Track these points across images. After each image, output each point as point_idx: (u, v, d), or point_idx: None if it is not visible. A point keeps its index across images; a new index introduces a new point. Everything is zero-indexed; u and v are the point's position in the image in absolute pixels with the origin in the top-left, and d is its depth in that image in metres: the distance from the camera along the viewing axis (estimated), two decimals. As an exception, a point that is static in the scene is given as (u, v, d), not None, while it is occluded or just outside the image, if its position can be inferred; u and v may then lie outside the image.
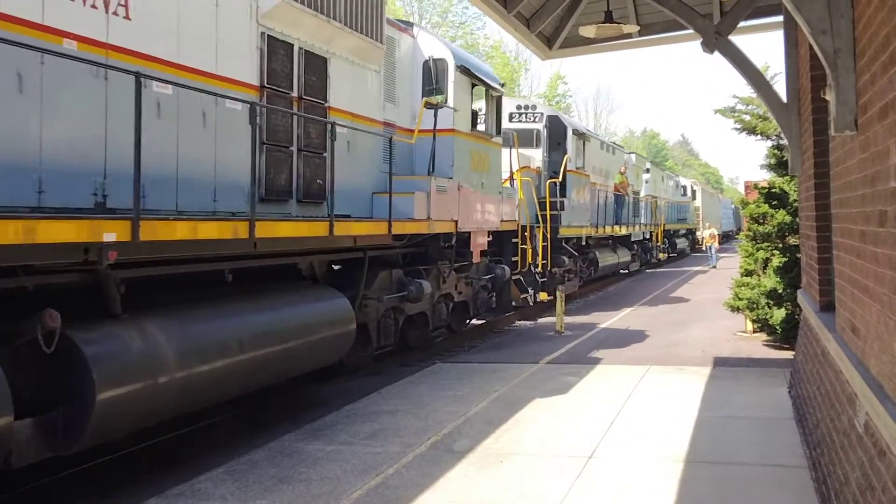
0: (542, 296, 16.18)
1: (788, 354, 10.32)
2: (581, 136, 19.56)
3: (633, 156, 28.79)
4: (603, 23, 9.06)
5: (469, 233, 11.76)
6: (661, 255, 32.85)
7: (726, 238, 51.04)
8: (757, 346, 11.78)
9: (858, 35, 4.31)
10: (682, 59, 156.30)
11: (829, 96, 4.62)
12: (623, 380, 9.30)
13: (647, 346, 12.21)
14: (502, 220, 13.38)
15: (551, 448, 6.61)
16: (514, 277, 14.87)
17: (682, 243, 41.13)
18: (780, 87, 8.91)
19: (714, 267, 30.10)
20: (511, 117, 17.70)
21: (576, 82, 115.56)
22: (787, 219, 11.86)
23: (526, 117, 18.14)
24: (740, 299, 12.40)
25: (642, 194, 29.55)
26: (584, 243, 19.93)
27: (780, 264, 11.84)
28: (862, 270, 4.40)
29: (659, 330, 13.98)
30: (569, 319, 14.55)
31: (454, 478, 5.86)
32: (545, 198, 16.79)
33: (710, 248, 31.92)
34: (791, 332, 10.84)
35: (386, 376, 10.00)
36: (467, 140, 11.80)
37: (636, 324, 14.95)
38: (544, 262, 16.38)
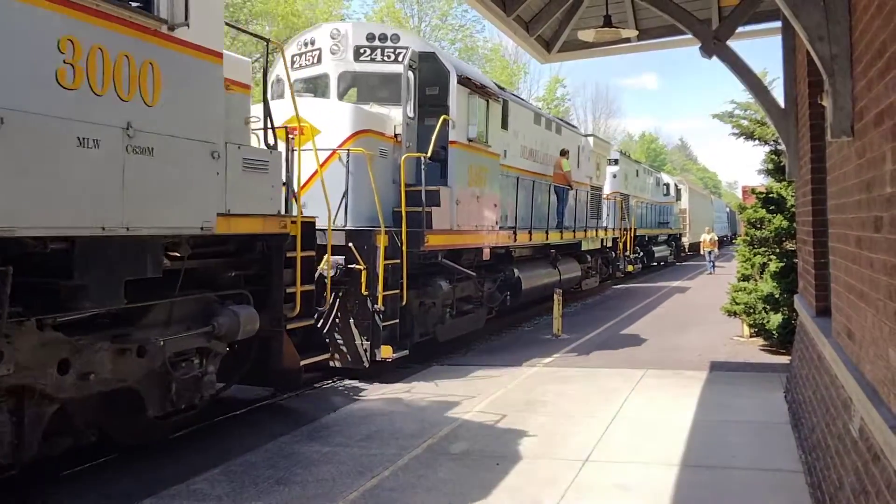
0: (385, 351, 9.60)
1: (785, 359, 10.33)
2: (481, 92, 12.16)
3: (590, 139, 21.78)
4: (602, 27, 9.09)
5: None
6: (629, 268, 26.34)
7: (720, 244, 44.71)
8: (753, 351, 11.80)
9: (855, 41, 4.33)
10: (682, 62, 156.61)
11: (826, 102, 4.64)
12: (619, 383, 9.31)
13: (644, 349, 12.22)
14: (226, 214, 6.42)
15: (547, 451, 6.62)
16: (298, 327, 7.87)
17: (661, 251, 34.55)
18: (778, 93, 8.94)
19: (710, 273, 29.96)
20: (334, 51, 11.43)
21: (575, 83, 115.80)
22: (785, 224, 11.89)
23: (379, 55, 11.32)
24: (737, 304, 12.43)
25: (607, 190, 24.35)
26: (488, 258, 12.96)
27: (777, 269, 11.87)
28: (857, 276, 4.42)
29: (656, 334, 13.99)
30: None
31: (450, 480, 5.86)
32: (415, 185, 10.52)
33: (710, 253, 31.80)
34: (787, 336, 10.86)
35: (382, 378, 10.00)
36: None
37: (633, 328, 14.96)
38: (395, 292, 9.86)
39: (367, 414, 7.93)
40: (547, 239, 16.25)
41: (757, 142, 14.45)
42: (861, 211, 4.23)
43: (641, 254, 29.70)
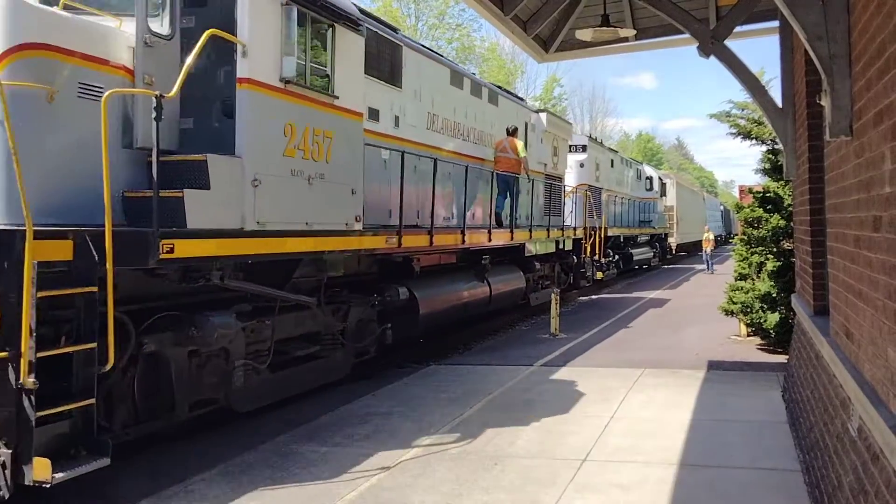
0: (39, 470, 4.80)
1: (782, 358, 10.34)
2: (315, 7, 7.55)
3: (542, 116, 17.10)
4: (599, 26, 9.08)
5: None
6: (598, 275, 22.08)
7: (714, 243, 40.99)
8: (751, 350, 11.81)
9: (854, 41, 4.33)
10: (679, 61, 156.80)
11: (825, 101, 4.64)
12: (617, 383, 9.31)
13: (642, 348, 12.22)
14: None
15: (545, 450, 6.61)
16: None
17: (642, 254, 30.22)
18: (776, 92, 8.95)
19: (712, 272, 29.89)
20: None
21: (572, 82, 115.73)
22: (782, 223, 11.91)
23: None
24: (734, 303, 12.44)
25: (572, 182, 20.87)
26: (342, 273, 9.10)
27: (775, 268, 11.88)
28: (856, 275, 4.42)
29: (653, 333, 14.00)
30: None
31: (448, 480, 5.85)
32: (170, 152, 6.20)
33: (706, 252, 31.90)
34: (785, 335, 10.87)
35: (380, 378, 9.99)
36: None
37: (630, 327, 14.96)
38: (73, 349, 5.13)
39: (365, 413, 7.92)
40: (463, 243, 11.53)
41: (754, 141, 14.50)
42: (860, 210, 4.23)
43: (616, 257, 25.58)
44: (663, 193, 35.47)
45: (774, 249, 12.26)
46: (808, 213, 7.29)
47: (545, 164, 17.21)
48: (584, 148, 22.61)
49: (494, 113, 13.90)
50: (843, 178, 4.94)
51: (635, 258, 28.48)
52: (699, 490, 5.59)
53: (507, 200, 13.72)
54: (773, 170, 12.64)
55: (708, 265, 31.21)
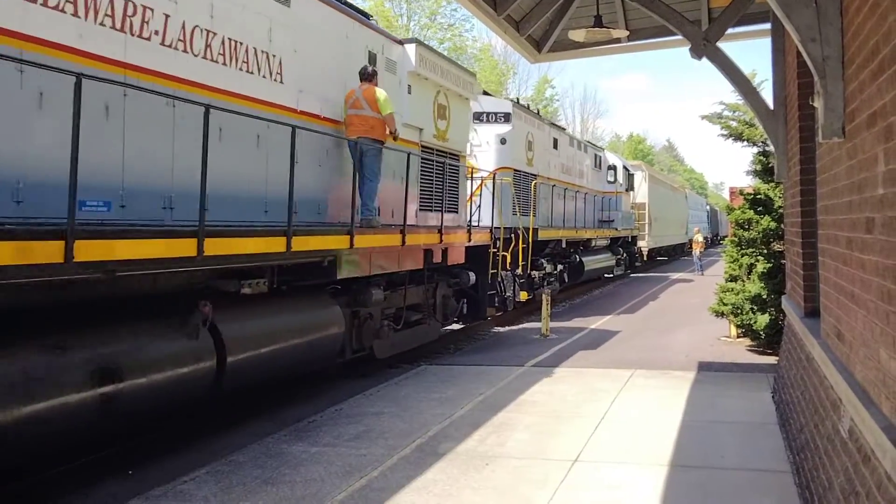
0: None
1: (772, 359, 10.38)
2: None
3: (410, 48, 10.68)
4: (592, 27, 9.08)
5: None
6: (522, 296, 15.89)
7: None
8: (741, 351, 11.85)
9: (847, 43, 4.34)
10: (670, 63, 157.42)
11: (817, 103, 4.65)
12: (608, 383, 9.31)
13: (632, 349, 12.23)
14: None
15: (536, 451, 6.60)
16: None
17: (600, 262, 23.42)
18: (767, 94, 8.97)
19: (701, 274, 30.00)
20: None
21: (564, 83, 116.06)
22: (772, 225, 11.96)
23: None
24: (724, 304, 12.48)
25: (486, 165, 15.21)
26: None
27: (765, 270, 11.93)
28: (848, 277, 4.42)
29: (643, 334, 14.03)
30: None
31: (439, 480, 5.83)
32: None
33: (696, 254, 32.07)
34: (775, 337, 10.91)
35: (371, 378, 9.96)
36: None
37: (621, 328, 14.98)
38: None
39: (356, 413, 7.89)
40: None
41: (745, 143, 14.54)
42: (852, 212, 4.24)
43: (560, 268, 19.32)
44: (630, 187, 29.32)
45: (765, 251, 12.31)
46: (800, 214, 7.31)
47: (420, 130, 10.99)
48: (506, 117, 16.24)
49: (288, 23, 7.92)
50: (835, 179, 4.95)
51: (589, 268, 21.54)
52: (690, 491, 5.59)
53: (368, 185, 8.90)
54: (764, 171, 12.68)
55: (698, 267, 31.36)
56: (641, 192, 32.20)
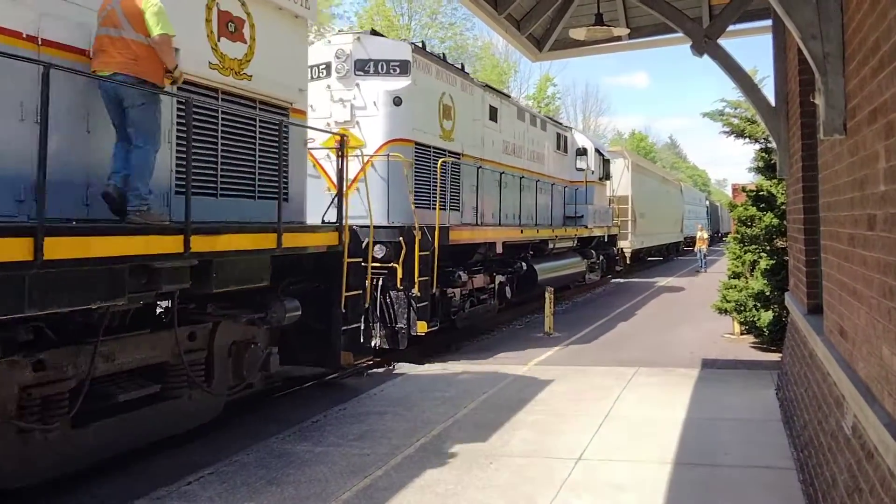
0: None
1: (776, 356, 10.37)
2: None
3: None
4: (593, 25, 9.08)
5: None
6: (420, 327, 10.93)
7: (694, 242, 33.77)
8: (744, 349, 11.85)
9: (848, 39, 4.34)
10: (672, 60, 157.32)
11: (818, 100, 4.65)
12: (611, 381, 9.31)
13: (636, 347, 12.24)
14: None
15: (540, 449, 6.61)
16: None
17: (563, 268, 18.31)
18: (769, 91, 8.97)
19: (705, 271, 29.98)
20: None
21: (565, 81, 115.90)
22: (775, 222, 11.94)
23: None
24: (728, 301, 12.47)
25: (374, 138, 11.23)
26: None
27: (768, 267, 11.92)
28: (850, 274, 4.42)
29: (646, 332, 14.02)
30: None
31: (443, 480, 5.84)
32: None
33: (700, 251, 32.07)
34: (778, 334, 10.91)
35: (374, 377, 9.97)
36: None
37: (624, 326, 14.98)
38: None
39: (359, 413, 7.90)
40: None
41: (747, 140, 14.53)
42: (854, 209, 4.24)
43: (501, 279, 14.69)
44: (606, 176, 23.35)
45: (768, 248, 12.30)
46: (802, 211, 7.31)
47: (217, 62, 6.86)
48: (402, 67, 11.43)
49: None
50: (836, 176, 4.94)
51: (544, 277, 16.32)
52: (694, 488, 5.60)
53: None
54: (767, 168, 12.68)
55: (702, 264, 31.41)
56: (623, 183, 26.74)
